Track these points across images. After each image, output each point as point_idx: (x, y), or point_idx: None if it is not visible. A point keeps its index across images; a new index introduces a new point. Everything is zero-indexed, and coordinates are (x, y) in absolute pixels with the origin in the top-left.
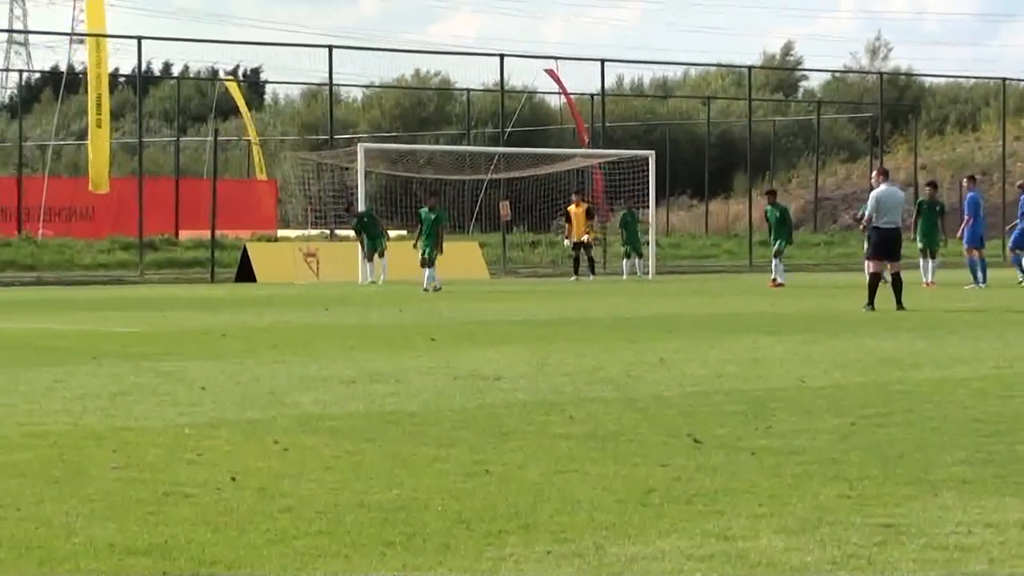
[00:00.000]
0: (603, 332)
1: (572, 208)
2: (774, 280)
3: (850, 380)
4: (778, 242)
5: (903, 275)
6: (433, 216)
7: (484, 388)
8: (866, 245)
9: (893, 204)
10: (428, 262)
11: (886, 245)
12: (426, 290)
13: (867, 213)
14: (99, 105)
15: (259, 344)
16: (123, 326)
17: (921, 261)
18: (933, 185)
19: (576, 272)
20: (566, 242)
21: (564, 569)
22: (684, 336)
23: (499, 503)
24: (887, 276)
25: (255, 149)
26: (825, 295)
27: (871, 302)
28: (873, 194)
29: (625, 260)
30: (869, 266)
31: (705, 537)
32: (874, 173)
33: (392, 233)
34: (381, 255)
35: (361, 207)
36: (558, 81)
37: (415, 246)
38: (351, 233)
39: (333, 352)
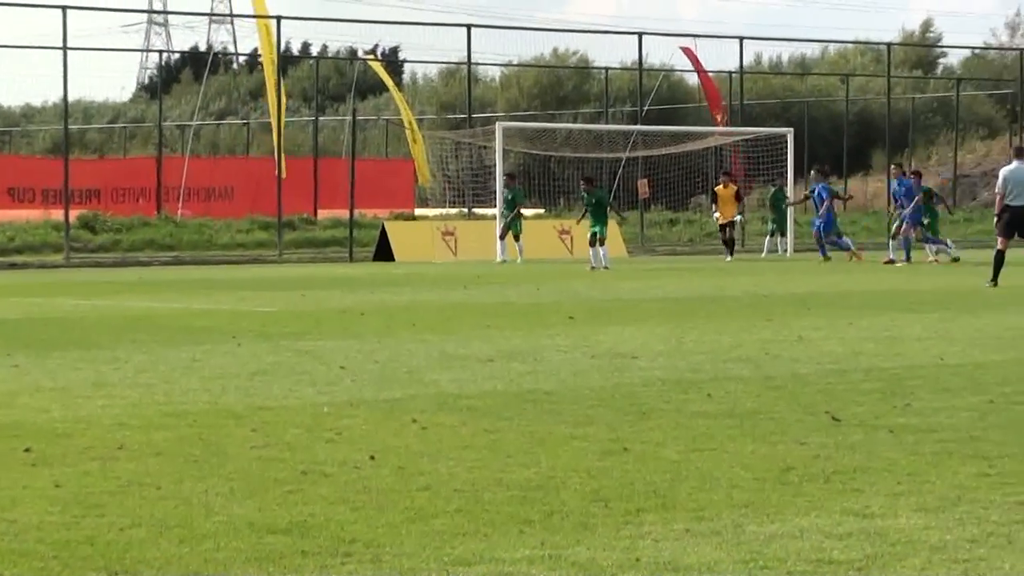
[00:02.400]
0: (740, 310)
1: (720, 188)
2: (943, 256)
3: (989, 357)
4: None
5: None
6: (594, 200)
7: (622, 366)
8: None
9: (1022, 182)
10: (598, 241)
11: (1015, 223)
12: (594, 268)
13: (996, 191)
14: (279, 89)
15: (397, 323)
16: (262, 305)
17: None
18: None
19: (731, 253)
20: (715, 215)
21: (702, 547)
22: (822, 314)
23: (637, 481)
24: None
25: (410, 129)
26: (964, 272)
27: (995, 278)
28: (1002, 172)
29: (768, 238)
30: (998, 243)
31: (844, 515)
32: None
33: (529, 212)
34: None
35: (498, 186)
36: (693, 59)
37: (578, 223)
38: (488, 211)
39: (471, 331)
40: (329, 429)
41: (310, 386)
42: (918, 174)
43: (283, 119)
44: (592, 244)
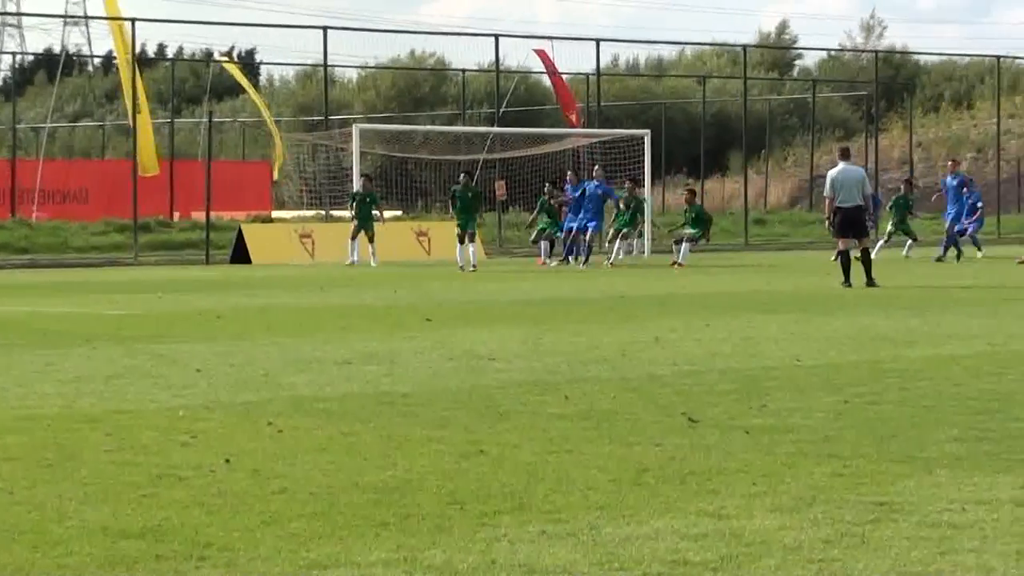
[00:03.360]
0: (598, 311)
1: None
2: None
3: (844, 358)
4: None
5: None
6: (469, 194)
7: (479, 368)
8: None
9: (848, 183)
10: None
11: (847, 223)
12: (462, 268)
13: (825, 195)
14: (134, 90)
15: (254, 326)
16: (117, 308)
17: None
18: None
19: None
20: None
21: (558, 549)
22: (679, 315)
23: (493, 483)
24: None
25: (271, 127)
26: (820, 273)
27: (847, 279)
28: (829, 175)
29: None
30: (838, 244)
31: (699, 516)
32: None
33: (388, 214)
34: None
35: (355, 187)
36: (547, 61)
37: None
38: (346, 214)
39: (328, 333)
40: (184, 432)
41: (165, 389)
42: (693, 192)
43: (147, 118)
44: (461, 241)
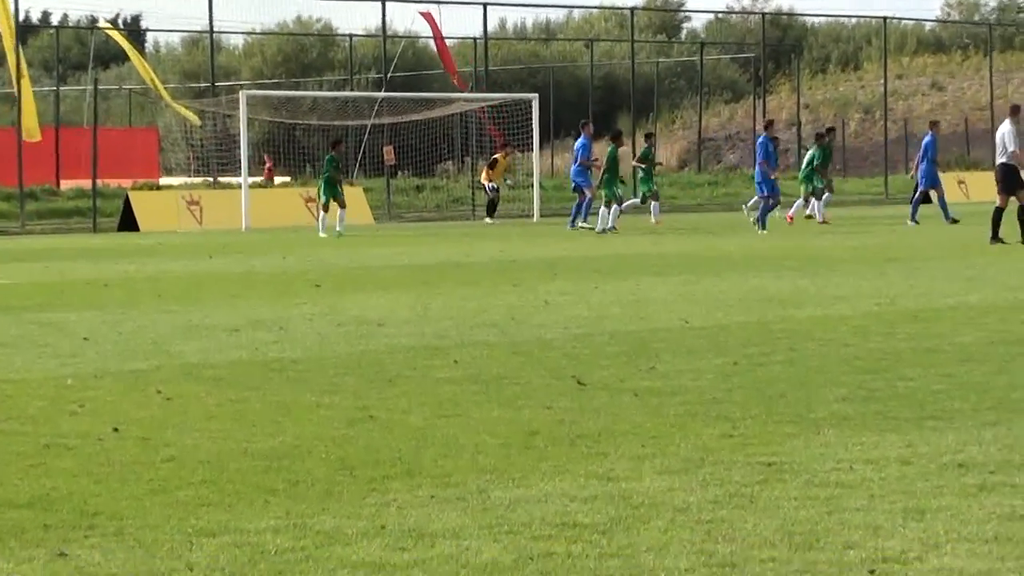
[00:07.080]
0: (487, 276)
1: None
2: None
3: (732, 319)
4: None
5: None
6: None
7: (368, 334)
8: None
9: (1000, 140)
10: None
11: (997, 178)
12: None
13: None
14: (18, 57)
15: (142, 293)
16: (3, 278)
17: None
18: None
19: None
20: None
21: (448, 514)
22: (568, 278)
23: (382, 449)
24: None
25: (161, 90)
26: (709, 235)
27: (994, 235)
28: (1000, 131)
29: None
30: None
31: (588, 479)
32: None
33: (276, 180)
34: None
35: (243, 155)
36: (432, 25)
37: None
38: (233, 180)
39: (216, 300)
40: (72, 401)
41: (53, 358)
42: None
43: (28, 84)
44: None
